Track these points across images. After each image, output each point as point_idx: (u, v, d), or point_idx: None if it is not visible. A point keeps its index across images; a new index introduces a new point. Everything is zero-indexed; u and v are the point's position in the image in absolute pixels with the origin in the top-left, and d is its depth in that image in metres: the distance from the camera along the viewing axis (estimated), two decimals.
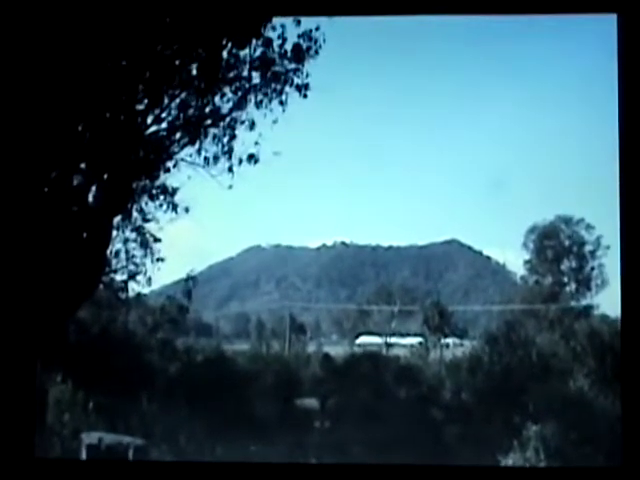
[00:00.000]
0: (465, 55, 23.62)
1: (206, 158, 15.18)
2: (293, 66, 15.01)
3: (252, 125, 15.09)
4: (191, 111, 14.97)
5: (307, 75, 15.10)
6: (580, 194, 21.64)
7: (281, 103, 15.08)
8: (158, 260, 17.05)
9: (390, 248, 34.26)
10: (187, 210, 15.80)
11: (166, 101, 14.77)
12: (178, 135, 15.07)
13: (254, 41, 14.68)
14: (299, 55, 14.93)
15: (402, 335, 23.72)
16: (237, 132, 15.28)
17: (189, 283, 19.21)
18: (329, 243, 35.36)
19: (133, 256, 16.97)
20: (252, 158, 15.38)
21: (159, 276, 17.63)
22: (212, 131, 15.19)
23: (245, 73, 14.97)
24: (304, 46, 14.95)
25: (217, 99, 15.01)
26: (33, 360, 3.22)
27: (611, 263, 21.23)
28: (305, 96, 15.05)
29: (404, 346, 22.92)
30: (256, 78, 15.02)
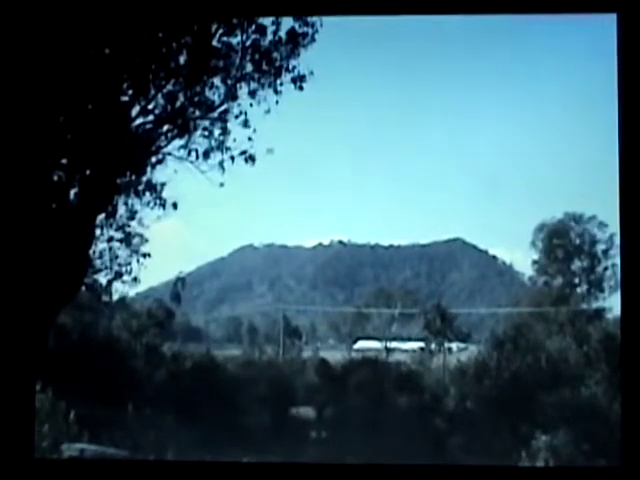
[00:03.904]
0: (468, 51, 24.09)
1: (191, 152, 15.28)
2: (288, 51, 15.08)
3: (245, 122, 15.21)
4: (179, 102, 15.09)
5: (307, 68, 15.20)
6: (592, 191, 21.90)
7: (275, 92, 15.18)
8: (144, 256, 17.15)
9: (390, 247, 34.48)
10: (175, 206, 15.86)
11: (152, 92, 14.88)
12: (165, 128, 15.19)
13: (246, 27, 14.78)
14: (295, 39, 15.01)
15: (403, 339, 23.89)
16: (229, 126, 15.43)
17: (177, 286, 19.34)
18: (325, 242, 35.55)
19: (117, 256, 17.11)
20: (244, 154, 15.53)
21: (145, 277, 17.77)
22: (202, 124, 15.33)
23: (237, 61, 15.07)
24: (300, 31, 15.04)
25: (207, 90, 15.13)
26: (32, 360, 3.44)
27: None
28: (301, 88, 15.17)
29: (405, 351, 23.10)
30: (249, 67, 15.14)
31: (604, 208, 20.93)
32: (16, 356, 3.40)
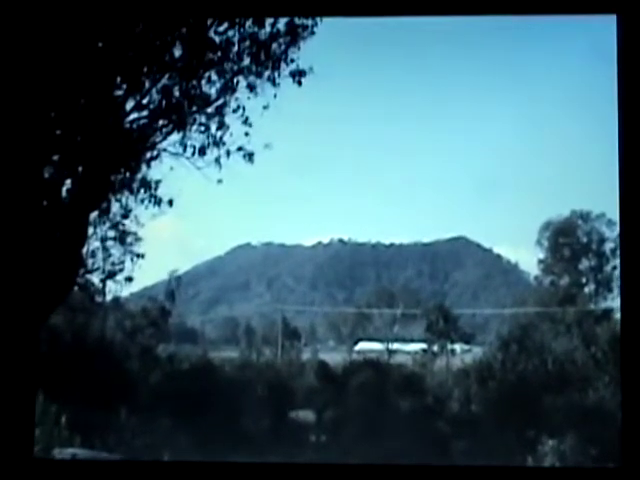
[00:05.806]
0: (471, 50, 24.34)
1: (187, 148, 15.33)
2: (287, 43, 15.12)
3: (246, 119, 15.29)
4: (175, 96, 15.14)
5: (307, 64, 15.27)
6: (600, 189, 22.02)
7: (274, 84, 15.23)
8: (138, 256, 17.23)
9: (392, 246, 34.63)
10: (171, 203, 15.91)
11: (147, 86, 14.94)
12: (160, 123, 15.25)
13: (243, 19, 14.83)
14: (294, 31, 15.06)
15: (405, 341, 24.00)
16: (226, 121, 15.49)
17: (172, 284, 19.42)
18: (325, 241, 35.69)
19: (110, 255, 17.21)
20: (242, 150, 15.62)
21: (139, 276, 17.88)
22: (198, 119, 15.39)
23: (234, 54, 15.11)
24: (299, 23, 15.10)
25: (203, 83, 15.19)
26: (32, 357, 3.55)
27: None
28: (299, 83, 15.26)
29: (407, 353, 23.20)
30: (246, 59, 15.20)
31: (612, 206, 21.02)
32: (12, 357, 3.51)
